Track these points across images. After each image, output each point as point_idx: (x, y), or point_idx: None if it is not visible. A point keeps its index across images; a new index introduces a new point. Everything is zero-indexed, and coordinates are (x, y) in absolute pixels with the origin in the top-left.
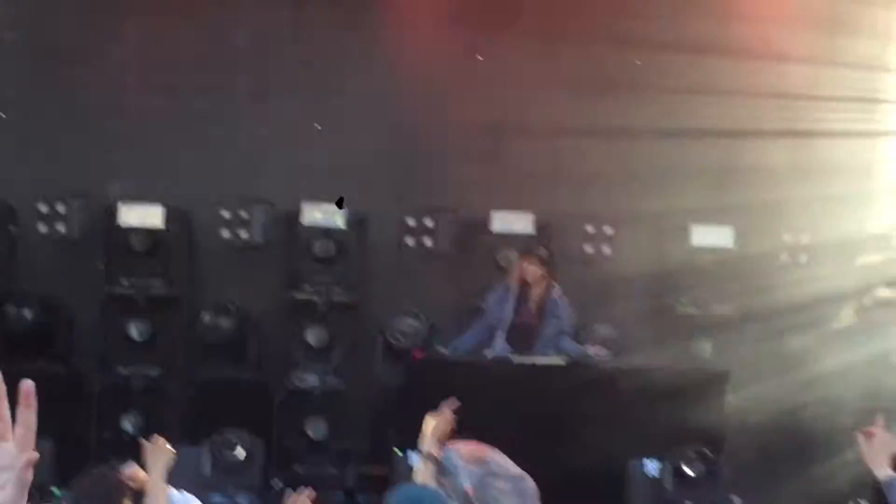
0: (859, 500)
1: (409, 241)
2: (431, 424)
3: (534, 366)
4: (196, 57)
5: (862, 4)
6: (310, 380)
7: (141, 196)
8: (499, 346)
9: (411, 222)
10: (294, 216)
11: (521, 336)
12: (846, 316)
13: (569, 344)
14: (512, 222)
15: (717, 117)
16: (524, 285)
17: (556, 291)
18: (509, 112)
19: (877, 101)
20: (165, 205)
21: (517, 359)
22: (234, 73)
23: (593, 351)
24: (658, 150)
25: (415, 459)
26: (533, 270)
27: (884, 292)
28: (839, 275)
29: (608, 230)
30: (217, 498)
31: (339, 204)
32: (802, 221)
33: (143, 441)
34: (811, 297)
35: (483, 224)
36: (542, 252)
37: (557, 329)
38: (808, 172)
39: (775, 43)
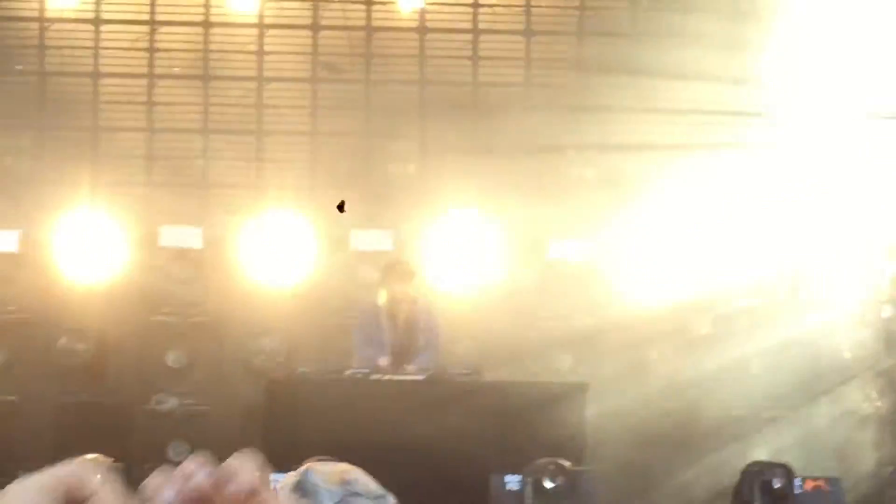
0: None
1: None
2: None
3: (392, 381)
4: None
5: (713, 19)
6: (170, 402)
7: None
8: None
9: None
10: (152, 237)
11: (398, 355)
12: (702, 325)
13: (432, 357)
14: (371, 240)
15: (564, 131)
16: (393, 303)
17: (424, 303)
18: (368, 131)
19: (726, 113)
20: (20, 229)
21: (375, 375)
22: None
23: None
24: (517, 164)
25: (278, 480)
26: (400, 288)
27: (740, 301)
28: (697, 284)
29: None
30: None
31: (341, 208)
32: (659, 232)
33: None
34: (669, 307)
35: (342, 242)
36: (407, 268)
37: (429, 341)
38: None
39: (654, 60)
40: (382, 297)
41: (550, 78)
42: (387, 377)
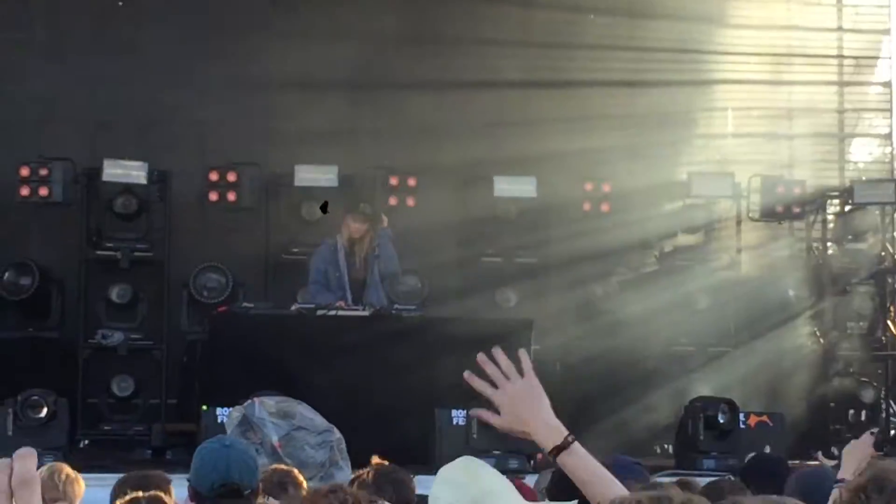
0: (664, 443)
1: (213, 195)
2: None
3: (337, 317)
4: None
5: None
6: (114, 337)
7: None
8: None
9: (214, 177)
10: (95, 173)
11: (355, 292)
12: (647, 263)
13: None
14: (315, 176)
15: (520, 68)
16: (351, 242)
17: (384, 234)
18: (311, 66)
19: (681, 51)
20: None
21: (320, 311)
22: (29, 29)
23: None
24: (460, 101)
25: (224, 414)
26: (357, 227)
27: (683, 238)
28: (640, 222)
29: (411, 182)
30: None
31: (324, 208)
32: (604, 170)
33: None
34: (613, 245)
35: (287, 178)
36: (366, 208)
37: (375, 286)
38: (609, 122)
39: None
40: (342, 236)
41: None
42: (332, 312)
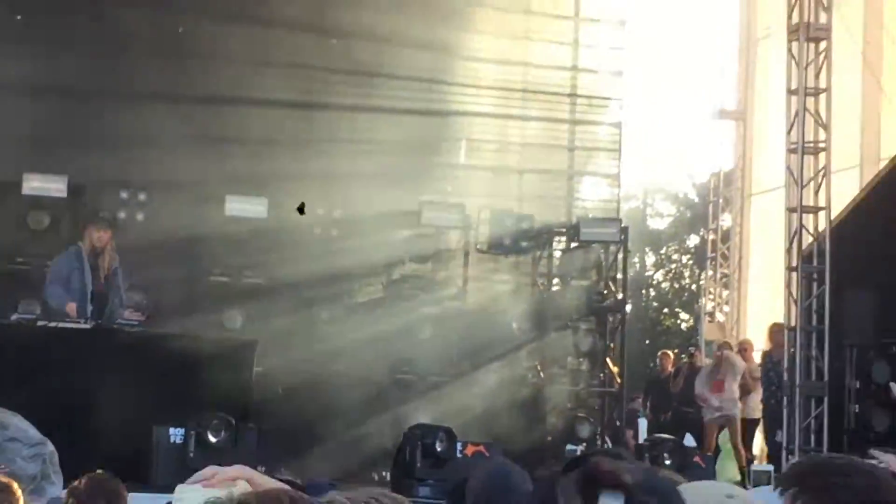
0: (382, 470)
1: None
2: None
3: (58, 328)
4: None
5: None
6: None
7: None
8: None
9: None
10: None
11: (98, 300)
12: (374, 289)
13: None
14: (44, 185)
15: (256, 87)
16: (95, 252)
17: (117, 260)
18: (43, 73)
19: (419, 80)
20: None
21: (41, 321)
22: None
23: (128, 315)
24: (195, 117)
25: None
26: (101, 235)
27: (411, 266)
28: (369, 248)
29: (142, 196)
30: None
31: (301, 210)
32: (337, 195)
33: None
34: (342, 270)
35: (14, 186)
36: (107, 214)
37: (118, 297)
38: (346, 146)
39: (330, 18)
40: (84, 246)
41: None
42: (53, 324)
